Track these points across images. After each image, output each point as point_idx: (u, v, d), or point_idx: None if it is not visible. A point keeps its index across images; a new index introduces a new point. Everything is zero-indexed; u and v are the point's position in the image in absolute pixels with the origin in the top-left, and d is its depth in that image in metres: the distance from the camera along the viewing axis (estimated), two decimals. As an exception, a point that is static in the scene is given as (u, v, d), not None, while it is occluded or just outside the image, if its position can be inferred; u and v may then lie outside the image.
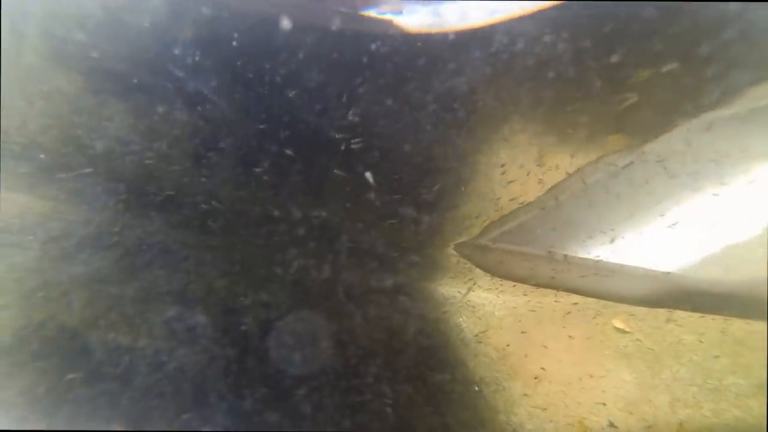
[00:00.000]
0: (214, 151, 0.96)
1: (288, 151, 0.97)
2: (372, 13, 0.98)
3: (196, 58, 0.95)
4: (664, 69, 1.00)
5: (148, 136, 0.94)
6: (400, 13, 0.98)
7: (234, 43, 0.95)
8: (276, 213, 1.09)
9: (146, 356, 0.89)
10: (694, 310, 1.10)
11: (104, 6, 0.95)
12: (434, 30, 0.99)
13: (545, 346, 1.25)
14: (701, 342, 1.20)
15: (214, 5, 0.93)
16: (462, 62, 1.01)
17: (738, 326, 1.16)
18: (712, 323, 1.21)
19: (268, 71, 0.97)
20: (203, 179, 0.98)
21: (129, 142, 0.95)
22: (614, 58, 0.99)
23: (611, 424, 1.15)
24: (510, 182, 1.14)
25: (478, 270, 1.22)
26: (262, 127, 0.97)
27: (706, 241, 1.15)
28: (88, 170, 1.01)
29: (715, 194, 1.14)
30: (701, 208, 1.15)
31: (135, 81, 0.93)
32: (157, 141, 0.94)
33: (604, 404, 1.18)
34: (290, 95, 0.98)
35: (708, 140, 1.09)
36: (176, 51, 0.93)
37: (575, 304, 1.20)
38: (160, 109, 0.93)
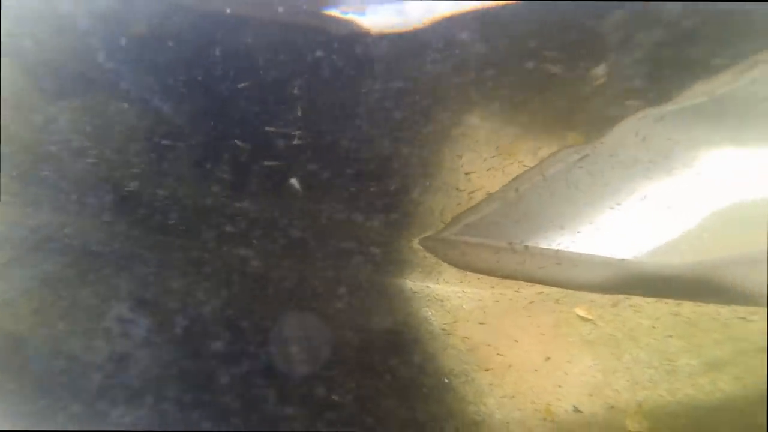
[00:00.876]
0: (169, 151, 0.93)
1: (247, 150, 0.96)
2: (335, 12, 0.98)
3: (152, 56, 0.92)
4: (616, 65, 1.04)
5: (97, 136, 0.90)
6: (363, 13, 0.99)
7: (192, 42, 0.92)
8: (237, 212, 1.06)
9: (100, 362, 0.86)
10: (648, 294, 1.15)
11: (51, 2, 0.91)
12: (397, 30, 0.99)
13: (512, 336, 1.28)
14: (657, 326, 1.25)
15: (169, 2, 0.91)
16: (423, 59, 1.02)
17: (689, 309, 1.22)
18: (665, 307, 1.26)
19: (228, 70, 0.95)
20: (158, 179, 0.94)
21: (77, 142, 0.90)
22: (573, 54, 1.02)
23: (576, 409, 1.19)
24: (472, 176, 1.15)
25: (445, 263, 1.23)
26: (220, 126, 0.95)
27: (659, 228, 1.21)
28: (34, 172, 0.96)
29: (665, 183, 1.20)
30: (654, 197, 1.21)
31: (83, 79, 0.89)
32: (106, 141, 0.91)
33: (569, 390, 1.22)
34: (250, 94, 0.97)
35: (658, 132, 1.14)
36: (129, 49, 0.90)
37: (540, 293, 1.23)
38: (110, 108, 0.89)
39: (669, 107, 1.11)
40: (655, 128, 1.12)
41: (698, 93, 1.09)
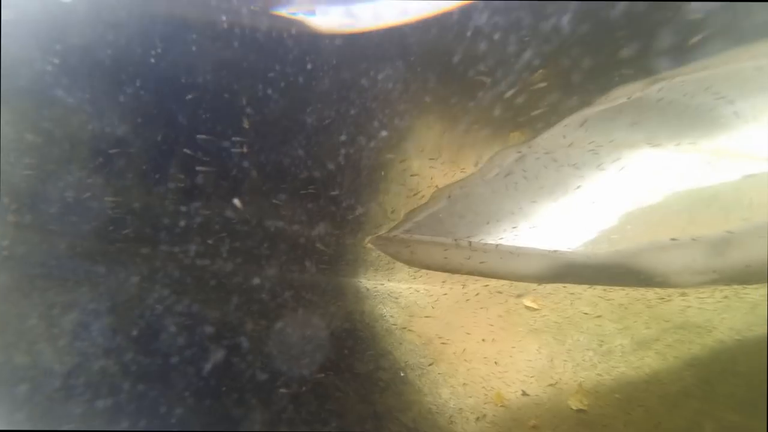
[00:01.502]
0: (116, 156, 0.93)
1: (198, 155, 0.97)
2: (284, 12, 0.99)
3: (96, 60, 0.91)
4: (551, 70, 1.14)
5: (37, 143, 0.89)
6: (312, 13, 1.00)
7: (138, 43, 0.92)
8: (191, 216, 1.08)
9: (50, 375, 0.85)
10: (579, 282, 1.25)
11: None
12: (347, 30, 1.02)
13: (463, 328, 1.36)
14: (594, 311, 1.36)
15: (113, 5, 0.90)
16: (372, 62, 1.06)
17: (621, 294, 1.35)
18: (601, 293, 1.39)
19: (175, 72, 0.96)
20: (106, 185, 0.94)
21: (14, 149, 0.88)
22: (515, 59, 1.10)
23: (524, 393, 1.27)
24: (419, 176, 1.22)
25: (397, 261, 1.29)
26: (167, 133, 0.96)
27: (591, 221, 1.33)
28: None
29: (594, 181, 1.32)
30: (584, 193, 1.33)
31: (19, 84, 0.87)
32: (47, 147, 0.89)
33: (517, 375, 1.30)
34: (197, 100, 0.98)
35: (583, 134, 1.25)
36: (72, 51, 0.89)
37: (485, 286, 1.32)
38: (52, 114, 0.88)
39: (591, 111, 1.24)
40: (580, 131, 1.24)
41: (616, 97, 1.22)
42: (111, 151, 0.91)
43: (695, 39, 0.96)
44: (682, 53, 0.99)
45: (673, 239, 1.03)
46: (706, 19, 0.94)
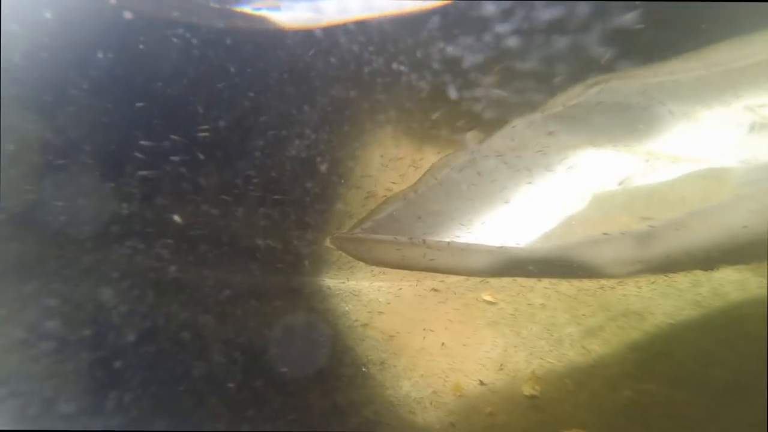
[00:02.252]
0: (66, 161, 0.93)
1: (152, 157, 0.98)
2: (247, 9, 0.98)
3: (42, 60, 0.90)
4: (503, 72, 1.20)
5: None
6: (277, 9, 1.00)
7: (92, 41, 0.91)
8: (152, 219, 1.09)
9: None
10: (524, 275, 1.33)
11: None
12: (311, 26, 1.03)
13: (423, 323, 1.41)
14: (547, 303, 1.45)
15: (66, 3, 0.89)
16: (335, 60, 1.07)
17: (566, 286, 1.44)
18: (551, 285, 1.47)
19: (130, 72, 0.95)
20: (57, 189, 0.94)
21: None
22: (478, 60, 1.14)
23: (481, 382, 1.33)
24: (378, 177, 1.27)
25: (357, 260, 1.33)
26: (122, 130, 0.96)
27: (539, 217, 1.41)
28: None
29: (542, 179, 1.40)
30: (535, 192, 1.41)
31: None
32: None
33: (475, 366, 1.37)
34: (159, 94, 0.97)
35: (531, 136, 1.33)
36: (22, 49, 0.87)
37: (441, 282, 1.38)
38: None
39: (537, 115, 1.32)
40: (528, 133, 1.32)
41: (557, 104, 1.30)
42: (61, 156, 0.91)
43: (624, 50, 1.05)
44: (613, 61, 1.08)
45: (605, 233, 1.12)
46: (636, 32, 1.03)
